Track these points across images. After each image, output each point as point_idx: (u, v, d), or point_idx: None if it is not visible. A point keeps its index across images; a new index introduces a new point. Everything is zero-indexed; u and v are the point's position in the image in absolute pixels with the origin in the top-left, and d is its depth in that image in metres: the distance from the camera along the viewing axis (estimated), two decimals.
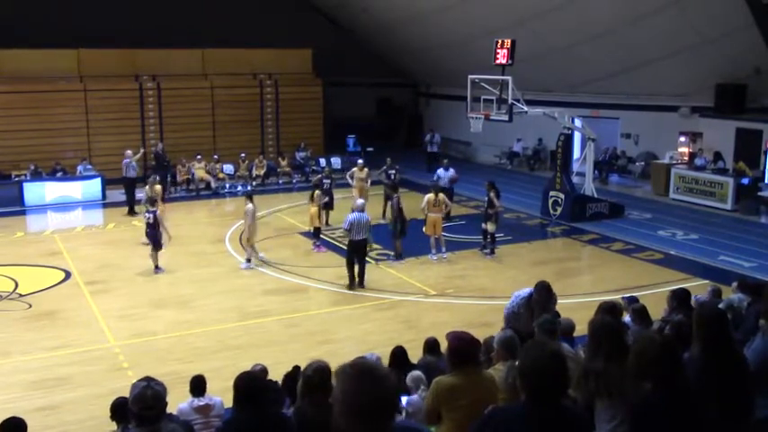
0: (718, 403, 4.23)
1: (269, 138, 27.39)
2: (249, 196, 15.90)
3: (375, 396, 2.62)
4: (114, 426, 6.41)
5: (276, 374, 7.79)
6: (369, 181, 19.82)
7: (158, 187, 17.80)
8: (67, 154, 23.54)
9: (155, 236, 15.01)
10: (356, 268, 14.20)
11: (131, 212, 20.29)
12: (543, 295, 8.01)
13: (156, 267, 15.13)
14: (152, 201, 15.92)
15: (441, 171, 19.92)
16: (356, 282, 14.13)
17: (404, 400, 6.67)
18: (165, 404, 4.01)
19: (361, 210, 14.46)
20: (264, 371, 7.61)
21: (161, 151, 23.34)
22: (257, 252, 15.78)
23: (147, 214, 15.31)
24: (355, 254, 14.16)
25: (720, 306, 6.96)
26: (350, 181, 19.85)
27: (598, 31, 22.05)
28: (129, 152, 21.21)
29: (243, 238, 16.13)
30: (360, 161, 20.62)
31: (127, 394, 4.17)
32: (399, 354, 8.14)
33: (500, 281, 14.76)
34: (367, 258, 14.68)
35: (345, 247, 14.69)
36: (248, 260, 15.54)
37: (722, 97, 21.75)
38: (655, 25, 20.68)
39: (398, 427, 3.36)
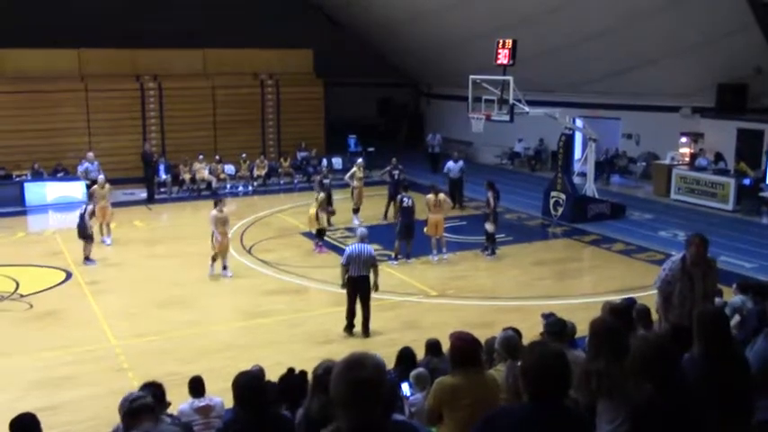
0: (719, 404, 4.22)
1: (270, 138, 27.38)
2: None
3: (351, 383, 2.67)
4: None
5: (276, 375, 7.78)
6: (363, 181, 19.83)
7: (95, 187, 17.95)
8: (69, 154, 23.52)
9: (84, 228, 15.53)
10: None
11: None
12: (699, 251, 6.59)
13: (87, 259, 15.57)
14: (90, 195, 17.32)
15: (450, 163, 19.91)
16: (354, 326, 11.71)
17: (407, 391, 6.63)
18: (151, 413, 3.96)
19: (362, 239, 11.91)
20: (261, 371, 7.59)
21: (148, 151, 23.24)
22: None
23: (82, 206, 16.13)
24: (357, 293, 11.65)
25: (722, 307, 6.94)
26: (350, 182, 19.72)
27: (599, 30, 22.03)
28: (90, 154, 21.52)
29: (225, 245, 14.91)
30: (359, 160, 20.59)
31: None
32: (406, 355, 8.05)
33: (501, 281, 14.77)
34: None
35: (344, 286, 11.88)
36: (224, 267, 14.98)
37: (723, 97, 21.71)
38: (655, 25, 20.65)
39: (394, 423, 3.35)
